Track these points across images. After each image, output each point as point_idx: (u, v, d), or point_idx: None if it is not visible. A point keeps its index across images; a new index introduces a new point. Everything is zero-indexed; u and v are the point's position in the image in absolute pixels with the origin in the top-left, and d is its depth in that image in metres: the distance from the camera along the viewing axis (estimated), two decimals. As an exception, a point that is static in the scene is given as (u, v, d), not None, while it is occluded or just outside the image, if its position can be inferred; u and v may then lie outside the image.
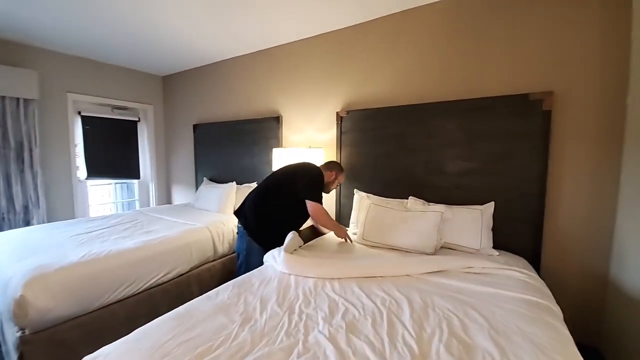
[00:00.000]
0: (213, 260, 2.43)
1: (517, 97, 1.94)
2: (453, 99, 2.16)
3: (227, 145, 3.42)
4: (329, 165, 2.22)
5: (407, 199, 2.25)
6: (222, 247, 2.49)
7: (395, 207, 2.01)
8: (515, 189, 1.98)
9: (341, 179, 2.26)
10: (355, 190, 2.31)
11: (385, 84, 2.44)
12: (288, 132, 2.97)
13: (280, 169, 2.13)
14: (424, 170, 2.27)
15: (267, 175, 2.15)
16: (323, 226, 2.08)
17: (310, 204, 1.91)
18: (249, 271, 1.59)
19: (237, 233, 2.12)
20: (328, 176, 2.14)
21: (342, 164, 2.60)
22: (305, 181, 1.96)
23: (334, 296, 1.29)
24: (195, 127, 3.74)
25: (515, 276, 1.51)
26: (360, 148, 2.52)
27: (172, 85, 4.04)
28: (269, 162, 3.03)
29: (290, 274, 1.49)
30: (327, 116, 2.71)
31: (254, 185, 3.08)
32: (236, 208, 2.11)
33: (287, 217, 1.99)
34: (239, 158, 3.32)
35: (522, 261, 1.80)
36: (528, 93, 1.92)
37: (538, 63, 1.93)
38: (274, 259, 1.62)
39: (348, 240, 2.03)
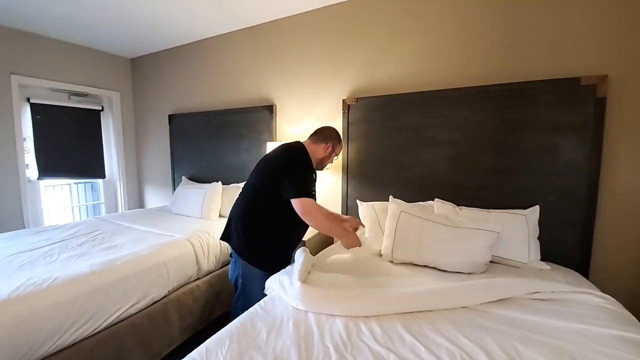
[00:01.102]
0: (196, 280, 1.99)
1: (565, 81, 1.64)
2: (484, 83, 1.83)
3: (211, 138, 2.94)
4: (322, 134, 1.64)
5: (426, 201, 1.93)
6: (208, 263, 2.05)
7: (434, 218, 1.63)
8: (560, 189, 1.69)
9: (339, 150, 1.72)
10: (390, 197, 1.86)
11: (401, 66, 2.07)
12: (283, 123, 2.55)
13: (263, 159, 1.62)
14: (448, 169, 1.94)
15: (252, 171, 1.63)
16: (322, 231, 1.55)
17: (296, 203, 1.38)
18: (248, 307, 1.18)
19: (230, 256, 1.67)
20: (323, 149, 1.61)
21: (350, 161, 2.23)
22: (285, 171, 1.43)
23: (378, 349, 0.91)
24: (171, 117, 3.23)
25: (592, 302, 1.20)
26: (372, 142, 2.15)
27: (142, 69, 3.48)
28: (261, 159, 2.60)
29: (307, 311, 1.10)
30: (330, 105, 2.32)
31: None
32: (223, 230, 1.62)
33: (285, 226, 1.51)
34: (225, 154, 2.86)
35: (580, 277, 1.51)
36: (579, 77, 1.61)
37: (591, 41, 1.63)
38: (283, 288, 1.22)
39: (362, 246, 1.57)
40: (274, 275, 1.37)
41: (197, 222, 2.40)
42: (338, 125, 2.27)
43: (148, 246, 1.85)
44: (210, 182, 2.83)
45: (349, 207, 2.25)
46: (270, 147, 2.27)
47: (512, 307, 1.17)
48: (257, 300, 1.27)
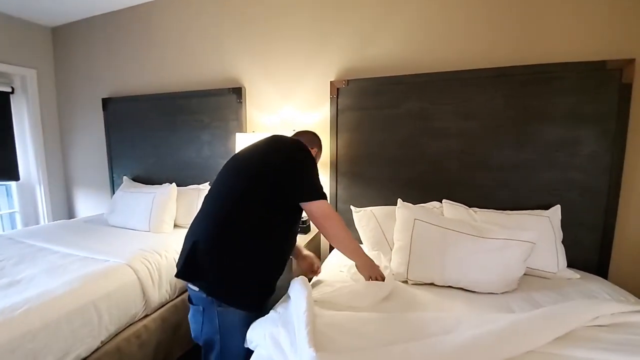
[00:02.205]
0: (144, 317, 1.48)
1: (590, 65, 1.43)
2: (500, 65, 1.56)
3: (161, 129, 2.36)
4: (306, 137, 1.34)
5: (430, 202, 1.64)
6: (159, 293, 1.55)
7: (458, 227, 1.31)
8: (580, 186, 1.50)
9: (319, 158, 1.42)
10: (399, 201, 1.50)
11: (401, 42, 1.73)
12: (255, 110, 2.08)
13: (237, 157, 1.19)
14: (457, 164, 1.66)
15: (221, 173, 1.18)
16: (339, 245, 1.17)
17: (313, 207, 1.06)
18: None
19: (189, 303, 1.12)
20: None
21: (339, 156, 1.85)
22: (293, 167, 1.07)
23: None
24: (106, 102, 2.56)
25: None
26: (366, 133, 1.79)
27: (67, 41, 2.73)
28: (230, 153, 2.10)
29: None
30: (315, 88, 1.91)
31: (206, 187, 2.13)
32: (177, 260, 1.12)
33: (276, 244, 1.09)
34: (181, 148, 2.31)
35: (617, 288, 1.30)
36: (605, 60, 1.40)
37: (617, 21, 1.43)
38: (279, 350, 0.81)
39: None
40: (258, 324, 0.95)
41: (144, 237, 1.85)
42: (325, 112, 1.88)
43: (68, 280, 1.30)
44: (161, 183, 2.27)
45: (339, 211, 1.88)
46: (241, 139, 1.81)
47: (579, 344, 0.91)
48: (238, 355, 1.01)
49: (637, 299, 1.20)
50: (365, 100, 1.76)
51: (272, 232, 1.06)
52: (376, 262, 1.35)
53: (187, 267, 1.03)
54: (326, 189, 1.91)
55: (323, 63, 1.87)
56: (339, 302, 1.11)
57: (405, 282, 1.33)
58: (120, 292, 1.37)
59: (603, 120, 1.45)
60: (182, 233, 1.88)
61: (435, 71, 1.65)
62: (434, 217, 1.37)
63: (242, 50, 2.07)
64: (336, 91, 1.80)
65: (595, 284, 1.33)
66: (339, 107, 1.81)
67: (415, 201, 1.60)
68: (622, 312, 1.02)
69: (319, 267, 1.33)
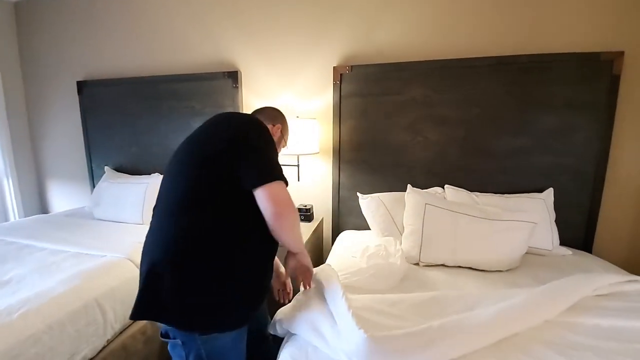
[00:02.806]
0: (148, 313, 1.41)
1: (585, 56, 1.52)
2: (501, 54, 1.61)
3: (147, 115, 2.21)
4: (267, 113, 1.13)
5: (432, 188, 1.69)
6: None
7: (467, 210, 1.37)
8: (572, 170, 1.61)
9: (287, 138, 1.19)
10: (409, 186, 1.53)
11: (405, 28, 1.72)
12: (253, 96, 2.00)
13: (189, 139, 0.95)
14: (459, 151, 1.71)
15: (167, 168, 0.95)
16: (287, 237, 0.89)
17: (264, 192, 0.81)
18: None
19: (162, 338, 0.89)
20: (272, 132, 1.04)
21: (343, 143, 1.84)
22: (242, 144, 0.85)
23: None
24: (81, 85, 2.34)
25: None
26: (369, 120, 1.79)
27: (34, 17, 2.44)
28: (224, 142, 2.03)
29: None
30: (317, 74, 1.86)
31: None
32: (135, 304, 0.84)
33: (255, 245, 0.87)
34: (169, 135, 2.18)
35: (606, 262, 1.43)
36: (599, 52, 1.50)
37: (610, 15, 1.52)
38: (319, 335, 0.81)
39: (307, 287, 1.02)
40: (288, 312, 0.93)
41: (138, 230, 1.74)
42: (328, 99, 1.85)
43: (65, 277, 1.21)
44: (149, 173, 2.14)
45: (341, 199, 1.88)
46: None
47: (586, 312, 1.00)
48: None
49: (623, 270, 1.32)
50: (369, 86, 1.75)
51: (245, 233, 0.83)
52: (389, 248, 1.38)
53: (146, 303, 0.81)
54: (328, 176, 1.97)
55: (325, 48, 1.82)
56: (361, 286, 1.13)
57: (417, 264, 1.37)
58: (124, 288, 1.29)
59: (594, 109, 1.54)
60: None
61: (439, 58, 1.67)
62: (443, 201, 1.42)
63: (237, 32, 1.96)
64: (339, 77, 1.77)
65: (585, 259, 1.45)
66: (342, 94, 1.79)
67: (418, 187, 1.63)
68: (618, 282, 1.13)
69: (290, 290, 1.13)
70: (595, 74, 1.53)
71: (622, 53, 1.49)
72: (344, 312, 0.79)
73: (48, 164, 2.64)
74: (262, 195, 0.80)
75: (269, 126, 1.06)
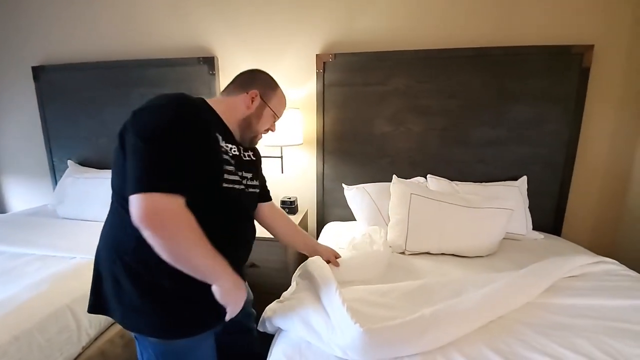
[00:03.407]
0: (126, 316, 1.34)
1: (558, 49, 1.58)
2: (479, 45, 1.64)
3: (110, 103, 2.05)
4: (241, 79, 0.90)
5: (415, 177, 1.72)
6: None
7: (450, 199, 1.40)
8: (544, 160, 1.69)
9: (276, 103, 0.91)
10: (394, 177, 1.54)
11: (388, 17, 1.70)
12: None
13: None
14: (439, 141, 1.74)
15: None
16: (176, 263, 0.65)
17: (134, 201, 0.61)
18: None
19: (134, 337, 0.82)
20: (243, 102, 0.85)
21: (327, 134, 1.81)
22: (131, 136, 0.67)
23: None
24: (38, 71, 2.12)
25: (616, 271, 1.21)
26: (353, 110, 1.77)
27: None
28: (202, 133, 1.92)
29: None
30: (300, 61, 1.80)
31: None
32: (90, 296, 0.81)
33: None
34: (140, 127, 2.04)
35: (574, 245, 1.53)
36: (571, 45, 1.56)
37: (581, 8, 1.58)
38: (312, 332, 0.80)
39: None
40: (279, 309, 0.91)
41: (111, 227, 1.63)
42: (311, 88, 1.80)
43: (31, 283, 1.11)
44: (119, 167, 1.99)
45: (326, 191, 1.87)
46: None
47: (561, 292, 1.07)
48: None
49: (590, 252, 1.42)
50: (352, 76, 1.72)
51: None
52: (373, 235, 1.38)
53: (94, 297, 0.80)
54: (312, 168, 1.94)
55: (307, 35, 1.76)
56: (347, 278, 1.12)
57: (403, 253, 1.39)
58: (98, 291, 1.21)
59: (565, 101, 1.62)
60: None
61: (421, 49, 1.67)
62: (428, 191, 1.44)
63: (214, 15, 1.84)
64: (322, 65, 1.72)
65: (556, 242, 1.55)
66: (325, 83, 1.75)
67: (401, 177, 1.64)
68: (587, 264, 1.21)
69: (335, 254, 1.14)
70: (566, 66, 1.59)
71: (591, 47, 1.56)
72: (338, 307, 0.78)
73: (2, 159, 2.39)
74: (132, 207, 0.60)
75: (241, 96, 0.84)
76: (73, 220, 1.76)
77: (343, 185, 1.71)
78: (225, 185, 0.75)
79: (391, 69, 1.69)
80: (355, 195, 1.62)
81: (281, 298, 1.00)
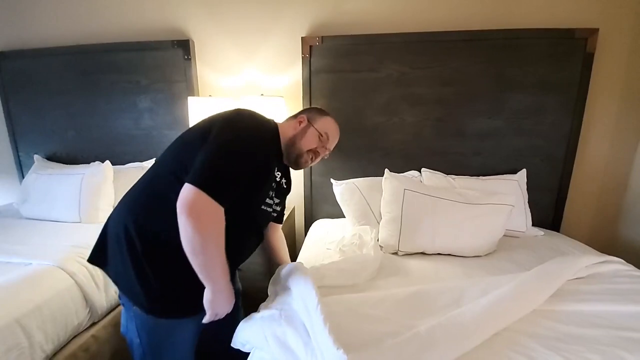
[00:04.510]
0: (91, 327, 1.21)
1: (560, 32, 1.47)
2: (477, 28, 1.51)
3: (78, 93, 1.87)
4: (297, 112, 1.05)
5: (409, 171, 1.62)
6: (107, 296, 1.27)
7: (446, 195, 1.29)
8: (542, 153, 1.61)
9: (322, 126, 0.99)
10: (386, 171, 1.41)
11: (379, -3, 1.56)
12: (210, 71, 1.75)
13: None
14: (434, 132, 1.63)
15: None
16: (197, 259, 0.71)
17: (186, 189, 0.68)
18: None
19: (119, 300, 0.90)
20: (293, 127, 0.96)
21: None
22: (210, 136, 0.77)
23: None
24: (-1, 57, 1.93)
25: (624, 272, 1.12)
26: (342, 99, 1.64)
27: None
28: (178, 124, 1.77)
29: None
30: (284, 45, 1.65)
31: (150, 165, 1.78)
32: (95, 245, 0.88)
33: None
34: (109, 117, 1.88)
35: (575, 241, 1.44)
36: (574, 29, 1.45)
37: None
38: (290, 353, 0.68)
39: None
40: (254, 323, 0.79)
41: (74, 230, 1.48)
42: (297, 74, 1.67)
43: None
44: (88, 162, 1.83)
45: (314, 186, 1.75)
46: (196, 105, 1.52)
47: (568, 298, 0.98)
48: None
49: (593, 249, 1.33)
50: (341, 61, 1.59)
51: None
52: (364, 236, 1.28)
53: (96, 250, 0.87)
54: None
55: (293, 15, 1.61)
56: (334, 284, 1.01)
57: (396, 253, 1.28)
58: (54, 303, 1.07)
59: (567, 89, 1.52)
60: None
61: (413, 31, 1.54)
62: (422, 186, 1.34)
63: (189, -7, 1.68)
64: (309, 50, 1.58)
65: (557, 239, 1.46)
66: (312, 69, 1.61)
67: (394, 171, 1.53)
68: (593, 264, 1.13)
69: None
70: (569, 51, 1.49)
71: (596, 30, 1.45)
72: (319, 327, 0.67)
73: (-39, 153, 2.19)
74: (182, 192, 0.68)
75: (292, 122, 0.98)
76: (36, 221, 1.61)
77: (331, 180, 1.59)
78: (262, 207, 0.89)
79: (383, 54, 1.57)
80: (344, 191, 1.51)
81: (259, 311, 0.89)
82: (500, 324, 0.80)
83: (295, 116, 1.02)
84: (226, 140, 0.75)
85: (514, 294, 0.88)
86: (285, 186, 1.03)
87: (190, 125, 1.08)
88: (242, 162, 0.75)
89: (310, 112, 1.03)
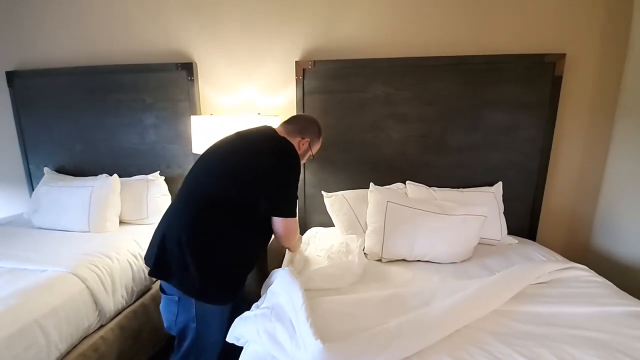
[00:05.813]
0: (99, 329, 1.32)
1: (531, 57, 1.62)
2: (457, 54, 1.66)
3: (87, 110, 2.01)
4: (299, 124, 1.27)
5: (394, 184, 1.74)
6: (115, 300, 1.38)
7: (425, 207, 1.41)
8: (518, 166, 1.73)
9: (316, 149, 1.36)
10: (371, 184, 1.56)
11: (368, 24, 1.71)
12: (211, 90, 1.89)
13: (220, 153, 1.15)
14: (418, 147, 1.76)
15: (198, 165, 1.16)
16: (287, 246, 1.32)
17: (280, 224, 1.11)
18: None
19: (162, 293, 1.12)
20: (297, 145, 1.21)
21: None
22: (274, 180, 1.07)
23: None
24: (11, 76, 2.07)
25: (584, 278, 1.24)
26: (333, 117, 1.77)
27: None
28: (181, 138, 1.91)
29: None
30: (280, 68, 1.80)
31: (156, 178, 1.91)
32: (147, 254, 1.12)
33: (251, 238, 1.12)
34: (117, 132, 2.01)
35: (545, 249, 1.56)
36: (544, 54, 1.60)
37: (553, 18, 1.62)
38: (277, 345, 0.80)
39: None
40: (248, 320, 0.91)
41: (84, 239, 1.60)
42: (291, 95, 1.80)
43: (0, 297, 1.08)
44: (95, 174, 1.96)
45: (307, 197, 1.87)
46: (198, 123, 1.65)
47: (528, 300, 1.09)
48: (213, 348, 1.09)
49: (562, 257, 1.46)
50: (332, 83, 1.73)
51: (243, 228, 1.07)
52: (351, 244, 1.42)
53: (161, 263, 1.04)
54: None
55: (287, 41, 1.76)
56: (320, 287, 1.13)
57: (380, 260, 1.40)
58: (69, 306, 1.19)
59: (539, 108, 1.65)
60: (130, 231, 1.73)
61: (399, 56, 1.68)
62: (404, 198, 1.46)
63: (192, 20, 1.82)
64: (302, 72, 1.73)
65: (530, 247, 1.58)
66: (305, 90, 1.75)
67: (381, 183, 1.66)
68: (557, 270, 1.24)
69: None
70: (539, 75, 1.63)
71: (563, 55, 1.59)
72: (302, 322, 0.78)
73: (-26, 165, 2.32)
74: (279, 224, 1.10)
75: (297, 139, 1.22)
76: (47, 230, 1.72)
77: (322, 192, 1.71)
78: None
79: (371, 77, 1.71)
80: (334, 202, 1.63)
81: (252, 308, 1.00)
82: (461, 321, 0.92)
83: (301, 132, 1.24)
84: (291, 176, 1.10)
85: (476, 295, 1.00)
86: None
87: (198, 145, 1.55)
88: (296, 185, 1.14)
89: (312, 134, 1.29)
